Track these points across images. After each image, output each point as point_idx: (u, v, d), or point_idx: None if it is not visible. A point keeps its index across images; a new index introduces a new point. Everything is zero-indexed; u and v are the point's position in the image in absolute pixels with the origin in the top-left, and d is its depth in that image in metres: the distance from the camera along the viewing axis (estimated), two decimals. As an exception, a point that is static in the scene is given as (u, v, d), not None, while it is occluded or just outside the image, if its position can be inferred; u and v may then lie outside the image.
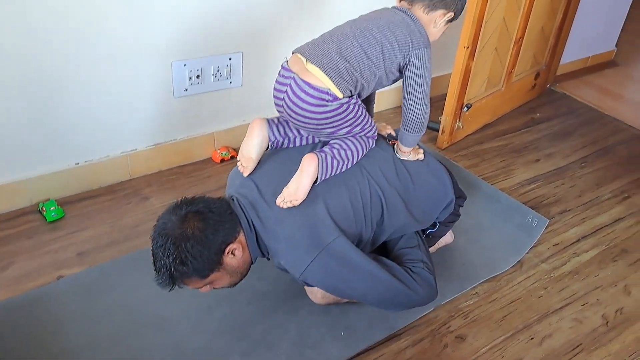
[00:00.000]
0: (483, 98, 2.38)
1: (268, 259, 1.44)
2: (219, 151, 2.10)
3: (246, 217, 1.34)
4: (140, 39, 1.76)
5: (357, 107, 1.35)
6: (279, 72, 1.39)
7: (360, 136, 1.41)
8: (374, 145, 1.46)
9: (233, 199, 1.38)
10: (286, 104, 1.34)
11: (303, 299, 1.54)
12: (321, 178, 1.35)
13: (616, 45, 3.30)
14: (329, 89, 1.28)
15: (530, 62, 2.61)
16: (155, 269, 1.27)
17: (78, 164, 1.85)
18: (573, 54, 3.02)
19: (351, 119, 1.35)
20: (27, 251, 1.65)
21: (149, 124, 1.93)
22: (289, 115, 1.36)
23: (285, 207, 1.32)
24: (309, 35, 2.08)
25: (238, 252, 1.31)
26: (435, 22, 1.40)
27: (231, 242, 1.29)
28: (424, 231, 1.59)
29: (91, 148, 1.86)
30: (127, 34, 1.73)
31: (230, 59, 1.98)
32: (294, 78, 1.32)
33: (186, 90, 1.94)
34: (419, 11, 1.39)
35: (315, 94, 1.29)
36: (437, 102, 2.51)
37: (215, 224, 1.26)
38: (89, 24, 1.65)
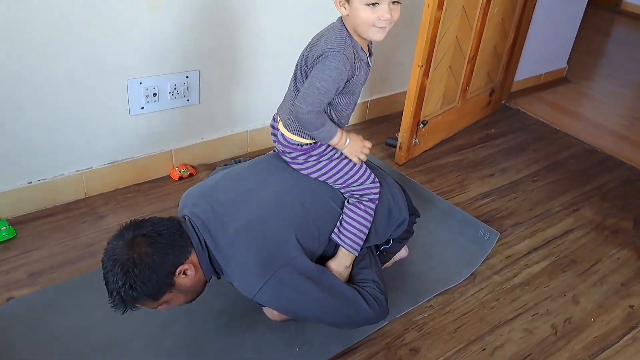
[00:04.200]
0: (439, 115, 2.45)
1: (219, 278, 1.44)
2: (177, 169, 2.10)
3: (198, 237, 1.34)
4: (95, 58, 1.76)
5: (325, 153, 1.43)
6: (271, 124, 1.50)
7: (359, 199, 1.46)
8: (373, 206, 1.48)
9: (185, 219, 1.38)
10: (280, 148, 1.47)
11: (260, 315, 1.55)
12: (357, 251, 1.47)
13: (567, 63, 3.43)
14: (299, 143, 1.41)
15: (485, 80, 2.69)
16: (107, 292, 1.26)
17: (31, 182, 1.82)
18: (526, 71, 3.13)
19: (330, 158, 1.43)
20: (-25, 273, 1.62)
21: (105, 142, 1.92)
22: (284, 153, 1.47)
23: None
24: (265, 52, 2.13)
25: (190, 272, 1.31)
26: (337, 6, 1.28)
27: (182, 263, 1.29)
28: (377, 247, 1.61)
29: (45, 167, 1.83)
30: (82, 52, 1.72)
31: (187, 77, 1.98)
32: (279, 130, 1.44)
33: (142, 108, 1.93)
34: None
35: (291, 145, 1.42)
36: (394, 119, 2.58)
37: (164, 247, 1.26)
38: (43, 43, 1.64)
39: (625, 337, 1.63)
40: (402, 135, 2.31)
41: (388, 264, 1.73)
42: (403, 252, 1.77)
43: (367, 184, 1.46)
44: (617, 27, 4.80)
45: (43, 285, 1.60)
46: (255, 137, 2.31)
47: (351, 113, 1.47)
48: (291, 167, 1.48)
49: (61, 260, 1.69)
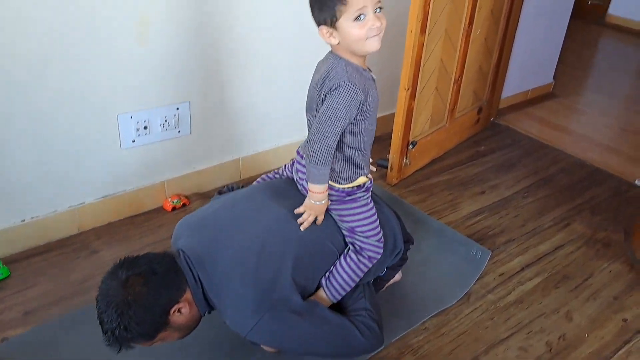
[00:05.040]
0: (428, 135, 2.47)
1: (209, 312, 1.43)
2: (170, 199, 2.11)
3: (192, 274, 1.33)
4: (84, 92, 1.78)
5: (361, 199, 1.45)
6: (296, 160, 1.50)
7: (359, 252, 1.47)
8: (370, 265, 1.49)
9: (179, 253, 1.37)
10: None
11: (255, 346, 1.55)
12: (335, 300, 1.48)
13: (554, 78, 3.48)
14: (337, 188, 1.44)
15: (472, 99, 2.73)
16: (102, 332, 1.26)
17: (24, 220, 1.84)
18: (513, 88, 3.18)
19: (355, 198, 1.45)
20: (-30, 314, 1.62)
21: (97, 176, 1.94)
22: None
23: None
24: (255, 80, 2.16)
25: (185, 310, 1.31)
26: (326, 38, 1.31)
27: (177, 302, 1.29)
28: (372, 274, 1.62)
29: (37, 204, 1.85)
30: (70, 87, 1.75)
31: (177, 108, 2.01)
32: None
33: (133, 141, 1.96)
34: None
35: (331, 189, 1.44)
36: (384, 141, 2.60)
37: (158, 286, 1.25)
38: (31, 77, 1.67)
39: (619, 352, 1.64)
40: (393, 156, 2.34)
41: (382, 289, 1.74)
42: (397, 276, 1.77)
43: (371, 240, 1.47)
44: (603, 40, 4.87)
45: (37, 323, 1.60)
46: (248, 164, 2.33)
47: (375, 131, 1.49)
48: (290, 198, 1.47)
49: (55, 297, 1.70)
